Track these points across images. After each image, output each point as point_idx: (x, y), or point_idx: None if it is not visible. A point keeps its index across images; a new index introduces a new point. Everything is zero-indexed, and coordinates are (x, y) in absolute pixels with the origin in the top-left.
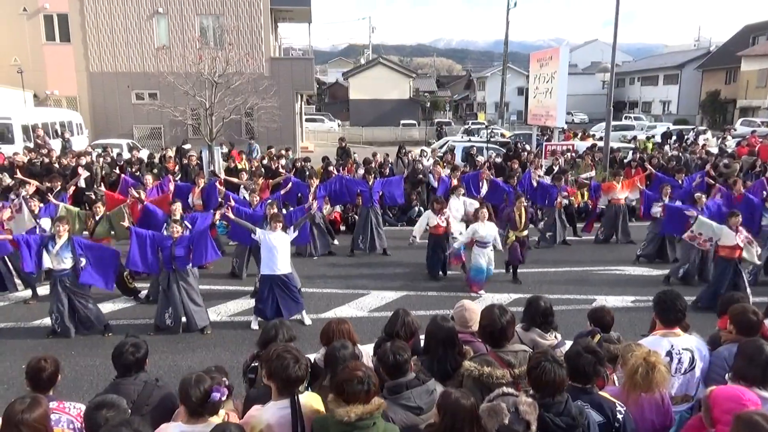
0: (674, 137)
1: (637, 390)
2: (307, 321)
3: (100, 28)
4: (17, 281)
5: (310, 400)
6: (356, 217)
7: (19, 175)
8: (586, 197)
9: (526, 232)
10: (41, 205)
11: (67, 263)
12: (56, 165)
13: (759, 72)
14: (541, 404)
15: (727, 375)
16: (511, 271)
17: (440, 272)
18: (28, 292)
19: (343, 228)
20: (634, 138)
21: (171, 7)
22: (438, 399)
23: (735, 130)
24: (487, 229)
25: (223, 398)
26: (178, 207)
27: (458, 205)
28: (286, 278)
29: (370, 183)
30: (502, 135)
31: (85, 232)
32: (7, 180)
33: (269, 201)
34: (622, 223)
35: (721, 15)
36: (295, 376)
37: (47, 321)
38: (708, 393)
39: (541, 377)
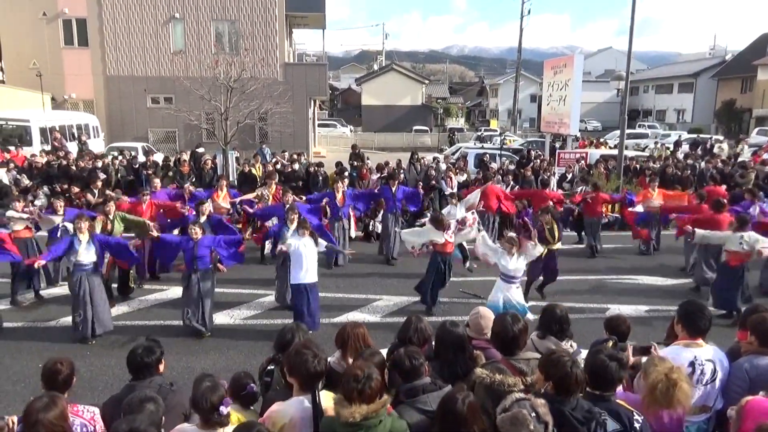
0: (685, 145)
1: (657, 405)
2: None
3: (118, 32)
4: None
5: (328, 398)
6: (377, 224)
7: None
8: (617, 209)
9: (558, 246)
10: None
11: (92, 256)
12: (73, 167)
13: None
14: (557, 401)
15: (761, 393)
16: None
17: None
18: (48, 291)
19: (359, 233)
20: (655, 143)
21: (187, 13)
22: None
23: (749, 139)
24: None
25: (227, 410)
26: (207, 207)
27: (456, 212)
28: (313, 288)
29: (394, 189)
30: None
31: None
32: (25, 181)
33: (289, 206)
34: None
35: (737, 23)
36: (314, 370)
37: (63, 321)
38: (743, 403)
39: (565, 377)
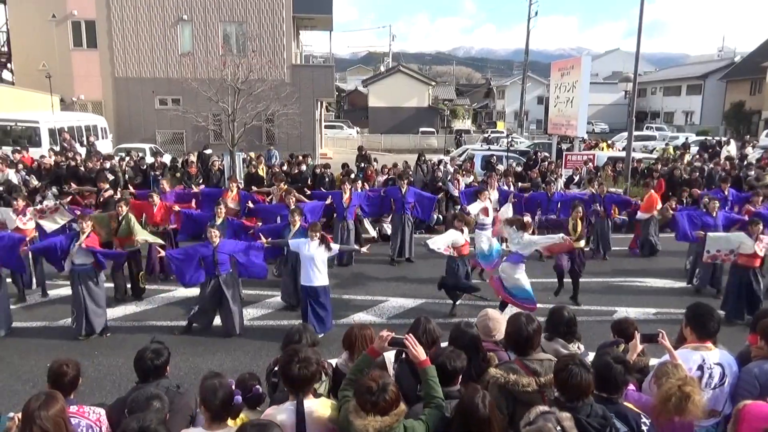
0: (692, 147)
1: (668, 415)
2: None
3: (126, 34)
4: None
5: (319, 406)
6: (387, 226)
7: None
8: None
9: (582, 243)
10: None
11: (90, 257)
12: (82, 168)
13: None
14: (570, 407)
15: None
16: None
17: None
18: (56, 291)
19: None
20: (665, 147)
21: (195, 15)
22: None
23: (757, 141)
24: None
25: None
26: (222, 210)
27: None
28: (323, 291)
29: (403, 190)
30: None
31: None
32: (34, 182)
33: (293, 209)
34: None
35: (746, 25)
36: (296, 374)
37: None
38: (741, 406)
39: (568, 380)
